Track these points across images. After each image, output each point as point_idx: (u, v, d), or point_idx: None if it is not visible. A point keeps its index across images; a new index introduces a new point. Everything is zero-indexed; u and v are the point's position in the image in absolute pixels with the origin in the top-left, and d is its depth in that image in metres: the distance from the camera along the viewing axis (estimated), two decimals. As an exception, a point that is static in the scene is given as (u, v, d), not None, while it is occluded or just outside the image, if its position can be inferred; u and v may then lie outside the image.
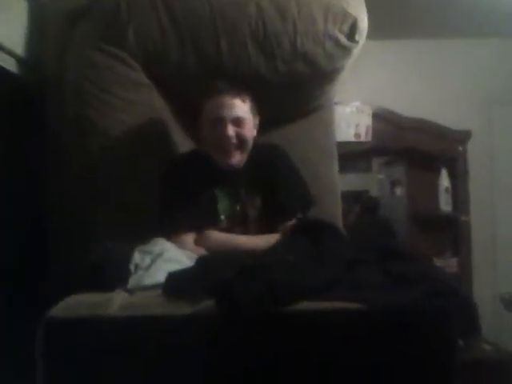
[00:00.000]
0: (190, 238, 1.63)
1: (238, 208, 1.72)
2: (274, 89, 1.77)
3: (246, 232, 1.70)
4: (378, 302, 1.15)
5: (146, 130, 1.74)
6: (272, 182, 1.74)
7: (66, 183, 1.71)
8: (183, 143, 1.85)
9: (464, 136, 3.12)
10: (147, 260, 1.38)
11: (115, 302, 1.20)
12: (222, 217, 1.70)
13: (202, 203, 1.68)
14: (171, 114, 1.83)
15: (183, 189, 1.66)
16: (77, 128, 1.70)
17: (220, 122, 1.64)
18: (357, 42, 1.89)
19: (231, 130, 1.64)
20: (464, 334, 1.23)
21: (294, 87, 1.86)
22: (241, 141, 1.67)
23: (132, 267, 1.35)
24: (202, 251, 1.58)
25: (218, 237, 1.65)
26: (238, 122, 1.66)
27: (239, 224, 1.72)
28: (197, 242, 1.64)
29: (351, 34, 1.86)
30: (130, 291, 1.30)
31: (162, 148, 1.78)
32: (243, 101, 1.67)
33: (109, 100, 1.70)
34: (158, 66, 1.77)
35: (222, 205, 1.71)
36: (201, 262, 1.35)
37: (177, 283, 1.25)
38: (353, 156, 3.05)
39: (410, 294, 1.16)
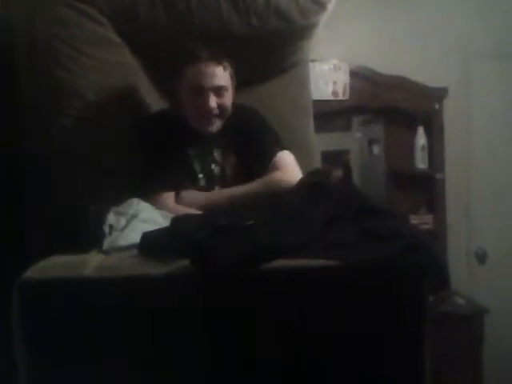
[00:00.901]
0: (170, 197, 1.64)
1: (213, 167, 1.74)
2: (247, 45, 1.74)
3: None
4: (351, 259, 1.16)
5: (118, 90, 1.70)
6: (246, 139, 1.76)
7: (40, 145, 1.67)
8: (157, 103, 1.81)
9: (440, 93, 3.12)
10: (122, 221, 1.38)
11: (90, 264, 1.21)
12: (200, 175, 1.71)
13: (177, 163, 1.68)
14: (143, 72, 1.78)
15: (158, 150, 1.65)
16: (47, 88, 1.64)
17: (201, 92, 1.63)
18: (331, -3, 1.86)
19: (213, 101, 1.63)
20: (433, 290, 1.26)
21: (268, 43, 1.83)
22: (221, 110, 1.67)
23: (106, 229, 1.35)
24: (185, 210, 1.58)
25: (198, 195, 1.67)
26: (219, 91, 1.65)
27: (218, 183, 1.73)
28: (178, 202, 1.64)
29: (325, -12, 1.83)
30: (106, 252, 1.31)
31: (136, 108, 1.74)
32: (224, 68, 1.66)
33: (79, 58, 1.64)
34: (127, 22, 1.72)
35: (198, 164, 1.72)
36: (175, 222, 1.35)
37: (151, 244, 1.26)
38: (332, 115, 3.04)
39: (383, 250, 1.17)
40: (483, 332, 2.93)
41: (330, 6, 1.88)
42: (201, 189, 1.69)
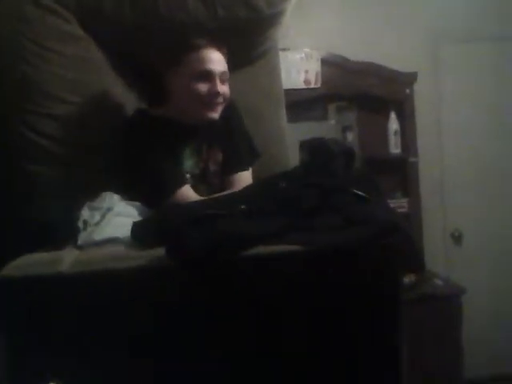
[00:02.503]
0: (190, 189, 1.62)
1: (200, 165, 1.73)
2: (215, 36, 1.73)
3: (208, 188, 1.71)
4: (325, 244, 1.18)
5: (85, 85, 1.67)
6: (228, 136, 1.76)
7: (6, 142, 1.64)
8: (124, 98, 1.78)
9: (411, 78, 3.15)
10: (96, 216, 1.38)
11: (66, 260, 1.21)
12: (188, 175, 1.69)
13: (174, 162, 1.66)
14: (110, 67, 1.75)
15: (158, 150, 1.61)
16: (13, 86, 1.61)
17: (208, 77, 1.61)
18: (296, -16, 1.86)
19: (220, 87, 1.63)
20: (409, 271, 1.28)
21: (235, 34, 1.82)
22: (224, 97, 1.66)
23: (81, 224, 1.35)
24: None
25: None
26: (223, 77, 1.64)
27: (201, 181, 1.72)
28: None
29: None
30: (80, 248, 1.31)
31: (103, 104, 1.71)
32: (224, 55, 1.66)
33: (44, 54, 1.61)
34: (93, 17, 1.69)
35: (188, 163, 1.70)
36: (164, 211, 1.38)
37: (140, 232, 1.29)
38: (307, 103, 3.06)
39: (357, 233, 1.19)
40: (461, 312, 2.98)
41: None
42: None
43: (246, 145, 1.82)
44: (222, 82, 1.65)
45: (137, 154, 1.61)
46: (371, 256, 1.18)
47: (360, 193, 1.32)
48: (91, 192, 1.47)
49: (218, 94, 1.63)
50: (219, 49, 1.65)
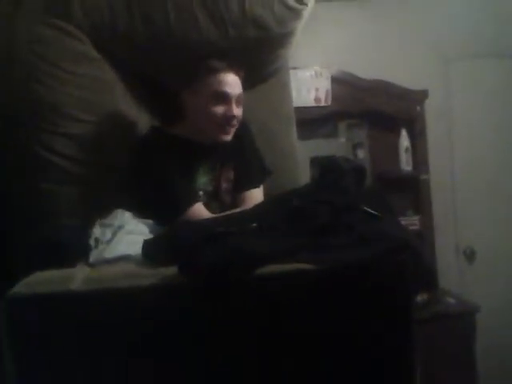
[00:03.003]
0: (202, 206, 1.63)
1: (213, 182, 1.75)
2: (225, 55, 1.75)
3: (220, 205, 1.73)
4: (338, 262, 1.17)
5: (98, 105, 1.69)
6: (240, 155, 1.79)
7: (21, 161, 1.66)
8: (138, 117, 1.81)
9: (421, 95, 3.15)
10: (108, 233, 1.39)
11: (77, 277, 1.21)
12: (201, 193, 1.71)
13: (188, 180, 1.68)
14: (124, 87, 1.78)
15: (172, 167, 1.64)
16: (27, 106, 1.63)
17: (225, 100, 1.64)
18: (306, 4, 1.87)
19: (235, 110, 1.66)
20: (422, 289, 1.26)
21: (246, 53, 1.83)
22: (238, 119, 1.69)
23: (92, 242, 1.36)
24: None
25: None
26: (238, 100, 1.68)
27: (214, 198, 1.74)
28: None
29: (299, -5, 1.84)
30: (93, 265, 1.31)
31: (118, 123, 1.73)
32: (240, 78, 1.69)
33: (58, 74, 1.63)
34: (106, 37, 1.72)
35: (201, 181, 1.72)
36: (175, 229, 1.38)
37: (151, 250, 1.30)
38: (318, 121, 3.06)
39: (369, 251, 1.18)
40: (475, 330, 2.94)
41: (306, 14, 1.89)
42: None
43: (257, 163, 1.84)
44: (237, 104, 1.68)
45: (150, 171, 1.62)
46: (383, 273, 1.17)
47: (371, 210, 1.32)
48: (105, 210, 1.48)
49: (233, 117, 1.66)
50: (237, 72, 1.68)
